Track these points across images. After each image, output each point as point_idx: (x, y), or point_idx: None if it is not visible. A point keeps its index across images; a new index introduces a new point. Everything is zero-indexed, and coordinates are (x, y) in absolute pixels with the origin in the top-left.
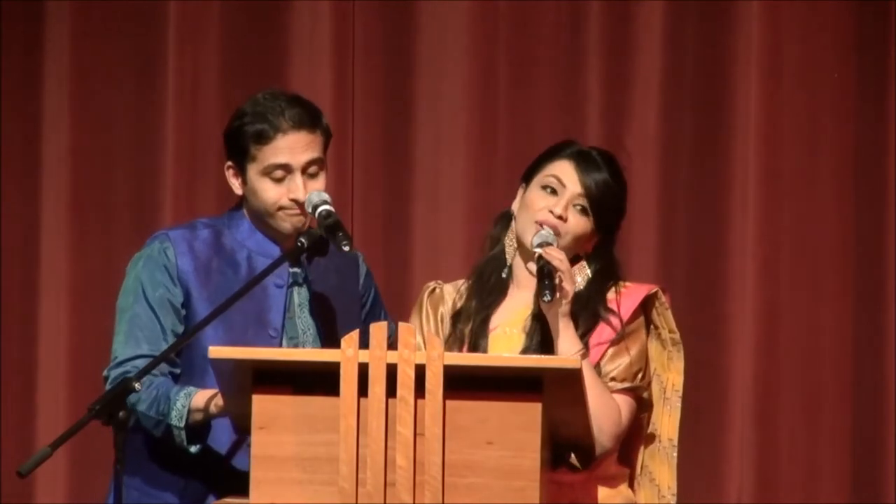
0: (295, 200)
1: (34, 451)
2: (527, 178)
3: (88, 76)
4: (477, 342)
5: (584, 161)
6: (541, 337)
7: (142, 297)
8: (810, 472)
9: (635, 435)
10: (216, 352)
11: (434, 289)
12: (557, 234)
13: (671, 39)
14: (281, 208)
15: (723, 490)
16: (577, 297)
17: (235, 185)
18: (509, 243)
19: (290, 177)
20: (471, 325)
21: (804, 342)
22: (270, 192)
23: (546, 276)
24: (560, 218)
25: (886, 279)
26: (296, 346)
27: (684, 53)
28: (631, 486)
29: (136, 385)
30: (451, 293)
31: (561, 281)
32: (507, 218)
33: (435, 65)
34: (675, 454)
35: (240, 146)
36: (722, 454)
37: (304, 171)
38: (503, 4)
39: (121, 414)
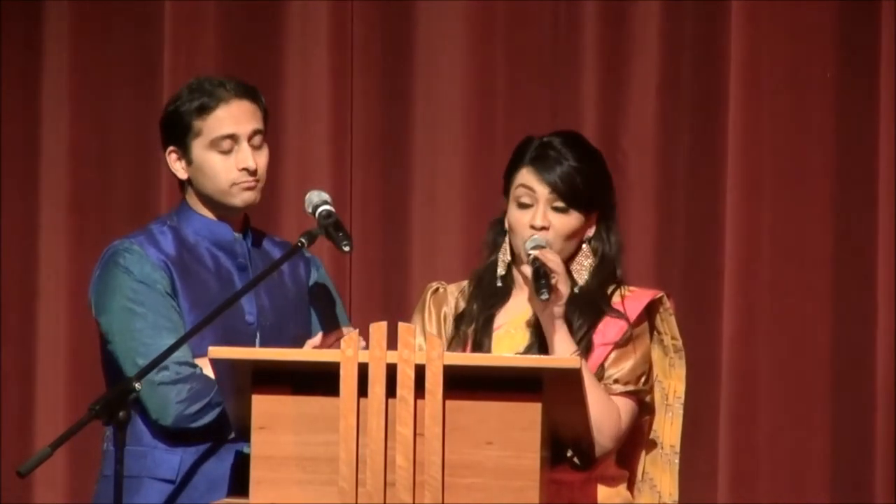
0: (246, 169)
1: (34, 451)
2: (505, 190)
3: (87, 76)
4: (480, 341)
5: (542, 160)
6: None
7: (148, 294)
8: (793, 474)
9: (636, 441)
10: (215, 352)
11: (437, 288)
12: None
13: (668, 40)
14: (234, 184)
15: (709, 490)
16: (581, 289)
17: (179, 170)
18: (501, 257)
19: (237, 147)
20: (474, 325)
21: (790, 344)
22: (220, 166)
23: (542, 276)
24: (543, 228)
25: (876, 281)
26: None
27: (681, 54)
28: (631, 491)
29: (137, 385)
30: (455, 294)
31: (556, 282)
32: (500, 224)
33: (433, 65)
34: (676, 461)
35: (181, 125)
36: (708, 455)
37: (249, 140)
38: (501, 4)
39: (121, 414)
